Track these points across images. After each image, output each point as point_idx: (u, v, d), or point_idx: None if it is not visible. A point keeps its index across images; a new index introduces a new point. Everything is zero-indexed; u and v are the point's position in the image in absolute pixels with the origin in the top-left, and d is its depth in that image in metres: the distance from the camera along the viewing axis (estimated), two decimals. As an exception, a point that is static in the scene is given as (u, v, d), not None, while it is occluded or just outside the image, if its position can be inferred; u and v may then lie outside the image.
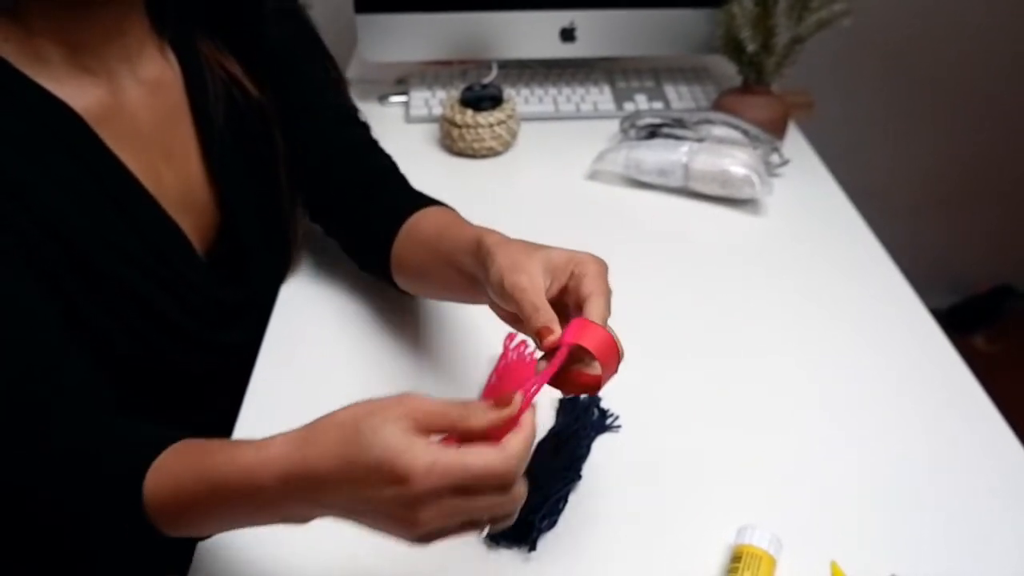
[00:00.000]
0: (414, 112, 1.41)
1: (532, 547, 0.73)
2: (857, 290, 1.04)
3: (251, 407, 0.87)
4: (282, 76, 0.97)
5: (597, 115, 1.42)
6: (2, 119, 0.74)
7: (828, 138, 1.44)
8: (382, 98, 1.47)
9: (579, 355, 0.65)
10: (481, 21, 1.39)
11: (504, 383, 0.87)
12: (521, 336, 0.91)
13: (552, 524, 0.75)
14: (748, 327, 0.98)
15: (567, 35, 1.41)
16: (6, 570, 0.73)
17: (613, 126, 1.34)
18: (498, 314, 0.73)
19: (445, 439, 0.56)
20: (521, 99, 1.43)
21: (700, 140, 1.22)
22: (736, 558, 0.70)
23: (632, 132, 1.28)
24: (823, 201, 1.23)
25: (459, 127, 1.29)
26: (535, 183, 1.28)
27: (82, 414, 0.71)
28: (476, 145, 1.29)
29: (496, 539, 0.73)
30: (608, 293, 0.67)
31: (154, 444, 0.63)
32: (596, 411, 0.86)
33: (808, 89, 1.51)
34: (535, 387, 0.58)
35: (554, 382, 0.64)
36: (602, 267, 0.69)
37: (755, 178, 1.16)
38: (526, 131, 1.37)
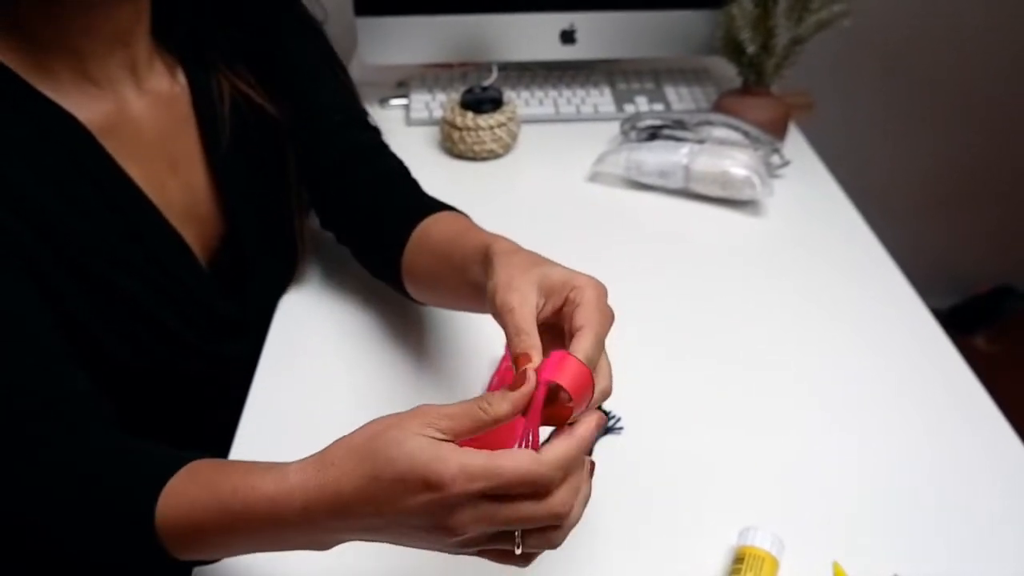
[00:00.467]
0: (414, 115, 1.41)
1: (534, 549, 0.73)
2: (858, 291, 1.04)
3: (251, 418, 0.87)
4: (294, 85, 0.97)
5: (597, 117, 1.42)
6: (6, 128, 0.74)
7: (828, 139, 1.44)
8: (382, 101, 1.47)
9: (554, 388, 0.60)
10: (481, 23, 1.39)
11: (508, 381, 0.87)
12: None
13: (554, 526, 0.75)
14: (749, 328, 0.98)
15: (567, 37, 1.41)
16: (5, 571, 0.73)
17: (613, 128, 1.34)
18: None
19: (473, 441, 0.55)
20: (521, 101, 1.43)
21: (700, 142, 1.22)
22: (738, 559, 0.70)
23: (632, 134, 1.28)
24: (824, 202, 1.23)
25: (459, 129, 1.29)
26: (536, 185, 1.28)
27: (86, 427, 0.70)
28: (477, 147, 1.29)
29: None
30: (603, 324, 0.63)
31: (165, 465, 0.63)
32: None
33: (808, 90, 1.51)
34: (532, 430, 0.56)
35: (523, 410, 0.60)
36: (600, 293, 0.65)
37: (756, 179, 1.16)
38: (526, 133, 1.37)
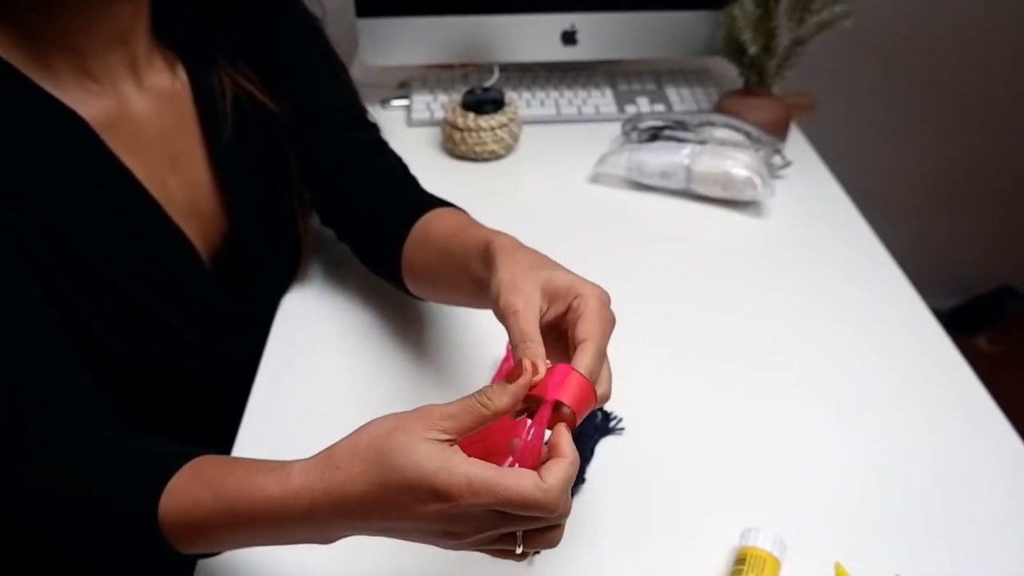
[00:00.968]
0: (416, 116, 1.41)
1: (536, 550, 0.73)
2: (859, 291, 1.04)
3: (253, 416, 0.87)
4: (294, 84, 0.97)
5: (599, 118, 1.42)
6: (7, 125, 0.74)
7: (830, 140, 1.44)
8: (384, 102, 1.47)
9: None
10: (482, 24, 1.39)
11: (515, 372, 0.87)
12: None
13: (556, 527, 0.75)
14: (751, 329, 0.98)
15: (568, 38, 1.41)
16: (6, 571, 0.73)
17: (615, 129, 1.34)
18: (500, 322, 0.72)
19: (476, 443, 0.56)
20: (523, 102, 1.43)
21: (702, 142, 1.22)
22: (740, 560, 0.70)
23: (634, 135, 1.28)
24: (825, 203, 1.23)
25: (461, 130, 1.29)
26: (537, 186, 1.28)
27: (86, 425, 0.70)
28: (478, 148, 1.29)
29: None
30: (605, 334, 0.63)
31: (168, 462, 0.63)
32: (599, 414, 0.86)
33: (809, 91, 1.51)
34: (536, 446, 0.56)
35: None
36: (603, 302, 0.65)
37: (757, 180, 1.16)
38: (528, 134, 1.37)
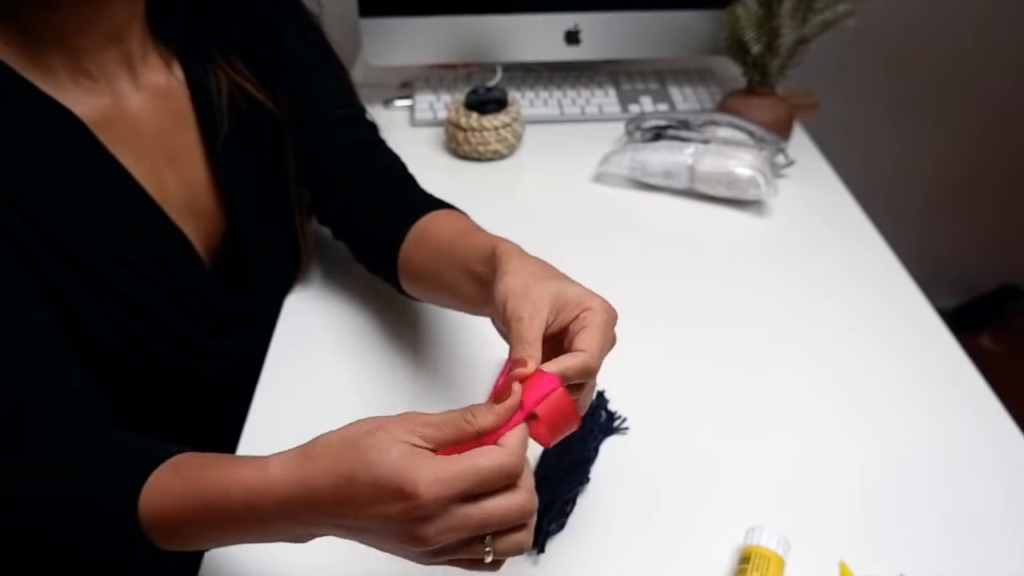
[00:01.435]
0: (419, 116, 1.41)
1: (541, 549, 0.73)
2: (863, 290, 1.04)
3: (257, 416, 0.88)
4: (292, 81, 0.97)
5: (602, 118, 1.42)
6: (2, 123, 0.74)
7: (833, 139, 1.44)
8: (387, 102, 1.47)
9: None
10: (485, 24, 1.39)
11: (509, 388, 0.87)
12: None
13: (561, 527, 0.75)
14: (754, 328, 0.99)
15: (571, 38, 1.42)
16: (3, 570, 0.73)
17: (618, 128, 1.34)
18: (496, 327, 0.72)
19: (453, 450, 0.55)
20: (526, 102, 1.43)
21: (705, 142, 1.22)
22: (745, 559, 0.70)
23: (637, 134, 1.29)
24: (828, 202, 1.23)
25: (464, 130, 1.29)
26: (540, 186, 1.28)
27: (74, 422, 0.70)
28: (481, 148, 1.29)
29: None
30: (604, 349, 0.64)
31: (150, 458, 0.63)
32: (603, 413, 0.86)
33: (812, 90, 1.51)
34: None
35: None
36: (609, 319, 0.65)
37: (760, 179, 1.16)
38: (531, 134, 1.37)
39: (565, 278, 0.68)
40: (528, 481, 0.55)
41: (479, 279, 0.75)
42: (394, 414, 0.57)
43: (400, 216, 0.91)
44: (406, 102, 1.47)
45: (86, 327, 0.79)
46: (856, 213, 1.19)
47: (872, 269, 1.08)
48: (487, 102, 1.29)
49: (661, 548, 0.74)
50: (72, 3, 0.76)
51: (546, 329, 0.64)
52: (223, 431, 0.85)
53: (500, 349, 0.87)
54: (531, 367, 0.60)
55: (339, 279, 1.06)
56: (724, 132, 1.24)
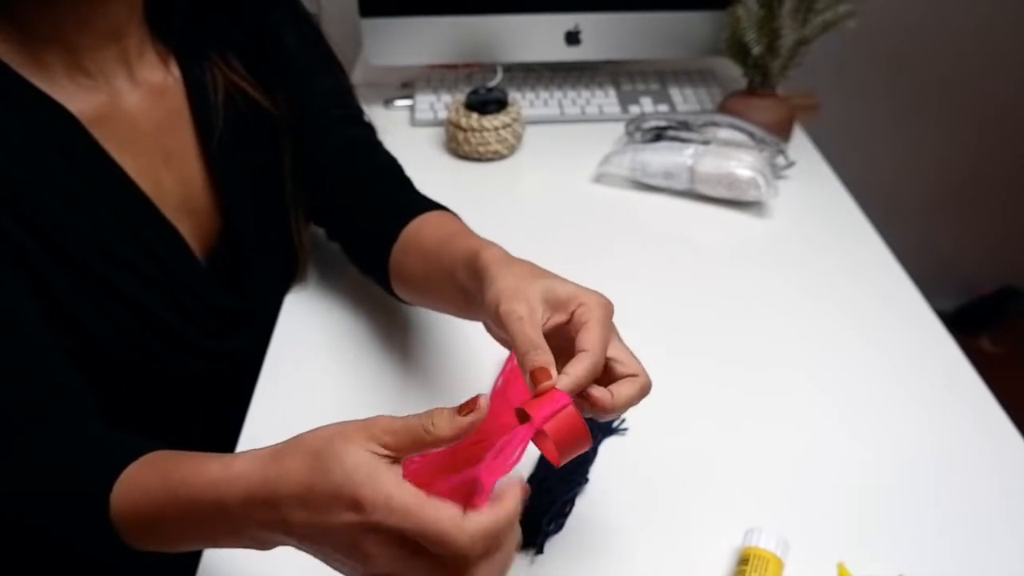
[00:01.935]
0: (419, 116, 1.42)
1: (539, 550, 0.73)
2: (863, 292, 1.04)
3: (256, 417, 0.87)
4: (289, 80, 0.97)
5: (602, 118, 1.42)
6: None
7: (833, 140, 1.44)
8: (387, 102, 1.47)
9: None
10: (486, 24, 1.39)
11: (510, 388, 0.87)
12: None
13: (559, 527, 0.75)
14: (754, 329, 0.99)
15: (572, 38, 1.42)
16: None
17: (618, 129, 1.34)
18: (492, 334, 0.71)
19: (415, 468, 0.54)
20: (526, 102, 1.43)
21: (705, 143, 1.22)
22: (743, 560, 0.70)
23: (637, 135, 1.29)
24: (829, 203, 1.23)
25: (464, 131, 1.29)
26: (540, 186, 1.28)
27: (57, 420, 0.70)
28: (481, 149, 1.29)
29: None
30: (605, 343, 0.63)
31: (125, 454, 0.62)
32: (603, 414, 0.86)
33: (813, 91, 1.51)
34: (500, 459, 0.53)
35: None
36: (606, 313, 0.64)
37: (761, 180, 1.16)
38: (531, 134, 1.37)
39: (555, 276, 0.68)
40: (486, 564, 0.51)
41: (462, 286, 0.75)
42: (363, 418, 0.55)
43: (392, 218, 0.90)
44: (406, 102, 1.47)
45: (82, 326, 0.79)
46: (856, 214, 1.19)
47: (872, 270, 1.08)
48: (487, 102, 1.30)
49: (660, 549, 0.74)
50: (71, 1, 0.76)
51: (542, 327, 0.63)
52: (221, 431, 0.84)
53: (498, 350, 0.88)
54: (553, 374, 0.59)
55: (338, 280, 1.05)
56: (724, 133, 1.24)
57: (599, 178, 1.26)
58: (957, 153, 2.13)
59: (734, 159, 1.17)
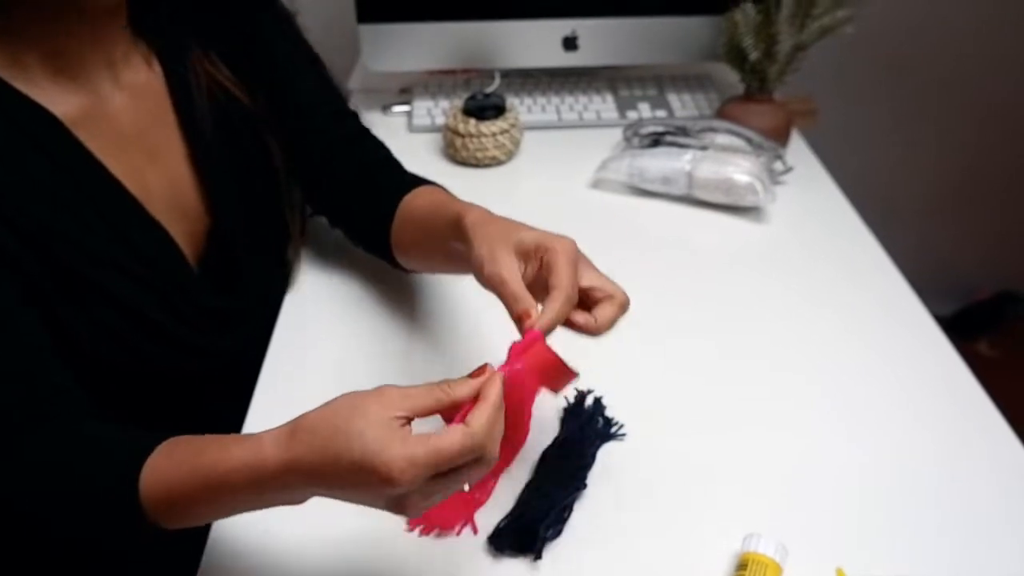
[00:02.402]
0: (417, 121, 1.42)
1: (538, 556, 0.73)
2: (861, 297, 1.04)
3: (255, 417, 0.87)
4: (275, 78, 0.98)
5: (600, 124, 1.42)
6: None
7: (831, 145, 1.44)
8: (385, 107, 1.47)
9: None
10: (484, 30, 1.40)
11: (510, 388, 0.87)
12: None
13: (557, 533, 0.75)
14: (752, 334, 0.99)
15: (569, 44, 1.42)
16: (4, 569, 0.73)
17: (616, 135, 1.34)
18: (483, 286, 0.77)
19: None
20: (524, 108, 1.43)
21: (703, 148, 1.22)
22: (742, 565, 0.70)
23: (635, 140, 1.29)
24: (826, 208, 1.23)
25: (462, 136, 1.29)
26: (538, 192, 1.28)
27: (57, 419, 0.71)
28: (479, 154, 1.30)
29: (501, 548, 0.73)
30: (572, 280, 0.72)
31: (142, 447, 0.65)
32: (601, 420, 0.86)
33: (810, 96, 1.51)
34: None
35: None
36: (570, 251, 0.74)
37: (759, 186, 1.16)
38: (529, 140, 1.37)
39: (525, 229, 0.77)
40: (493, 448, 0.60)
41: (453, 249, 0.82)
42: (370, 388, 0.61)
43: (388, 200, 0.96)
44: (404, 108, 1.47)
45: (72, 329, 0.78)
46: (853, 219, 1.19)
47: (870, 275, 1.08)
48: (485, 108, 1.30)
49: (658, 555, 0.74)
50: (56, 9, 0.76)
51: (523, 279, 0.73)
52: (214, 429, 0.84)
53: (501, 340, 0.89)
54: (534, 314, 0.69)
55: (337, 276, 1.06)
56: (722, 138, 1.24)
57: (597, 184, 1.26)
58: (955, 158, 2.14)
59: (732, 164, 1.17)
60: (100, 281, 0.80)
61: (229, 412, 0.87)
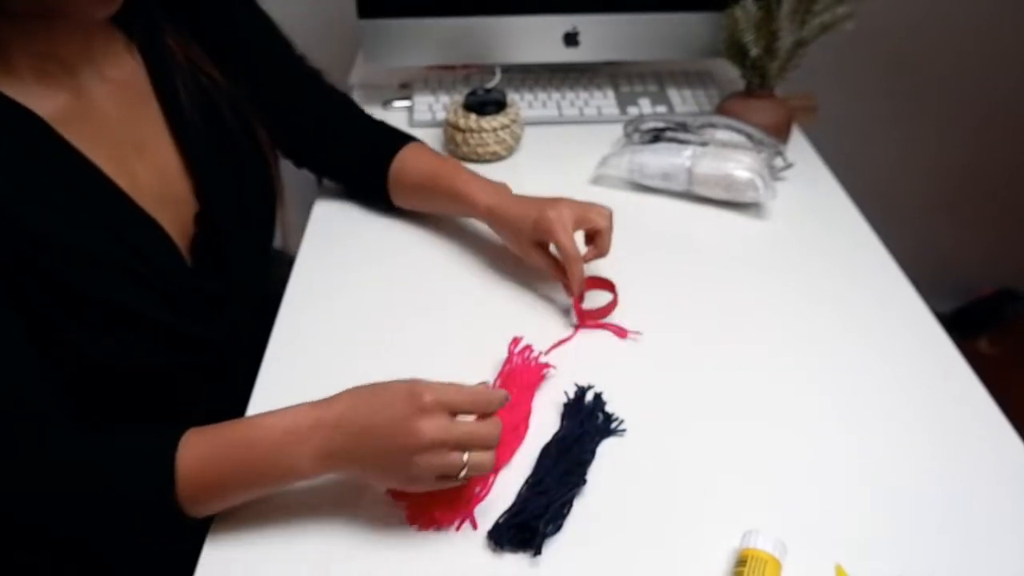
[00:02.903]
0: (418, 117, 1.41)
1: (537, 552, 0.73)
2: (861, 293, 1.04)
3: (256, 409, 0.87)
4: (251, 56, 1.01)
5: (601, 119, 1.42)
6: None
7: (831, 141, 1.44)
8: (386, 103, 1.47)
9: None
10: (485, 26, 1.39)
11: (509, 386, 0.88)
12: (525, 342, 0.93)
13: (557, 529, 0.75)
14: (752, 331, 0.98)
15: (571, 39, 1.42)
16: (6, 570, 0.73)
17: (617, 130, 1.34)
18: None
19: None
20: (525, 103, 1.43)
21: (704, 144, 1.22)
22: (741, 562, 0.70)
23: (636, 136, 1.29)
24: (827, 205, 1.23)
25: (463, 132, 1.29)
26: (539, 188, 1.26)
27: (61, 426, 0.72)
28: (480, 150, 1.29)
29: (501, 543, 0.73)
30: (569, 231, 0.96)
31: (169, 442, 0.70)
32: (601, 415, 0.86)
33: (811, 93, 1.51)
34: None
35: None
36: (563, 222, 0.96)
37: (759, 182, 1.16)
38: (530, 135, 1.37)
39: (530, 208, 0.99)
40: (496, 420, 0.73)
41: (460, 214, 1.11)
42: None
43: (378, 160, 1.12)
44: (405, 103, 1.47)
45: (67, 332, 0.78)
46: (854, 216, 1.19)
47: (870, 272, 1.08)
48: (486, 103, 1.30)
49: (658, 550, 0.74)
50: (42, 15, 0.76)
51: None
52: (209, 418, 0.84)
53: (502, 337, 0.89)
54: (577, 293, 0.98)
55: (337, 271, 1.06)
56: (722, 134, 1.24)
57: (597, 179, 1.26)
58: (956, 154, 2.13)
59: (732, 160, 1.17)
60: (94, 280, 0.79)
61: (223, 401, 0.86)
